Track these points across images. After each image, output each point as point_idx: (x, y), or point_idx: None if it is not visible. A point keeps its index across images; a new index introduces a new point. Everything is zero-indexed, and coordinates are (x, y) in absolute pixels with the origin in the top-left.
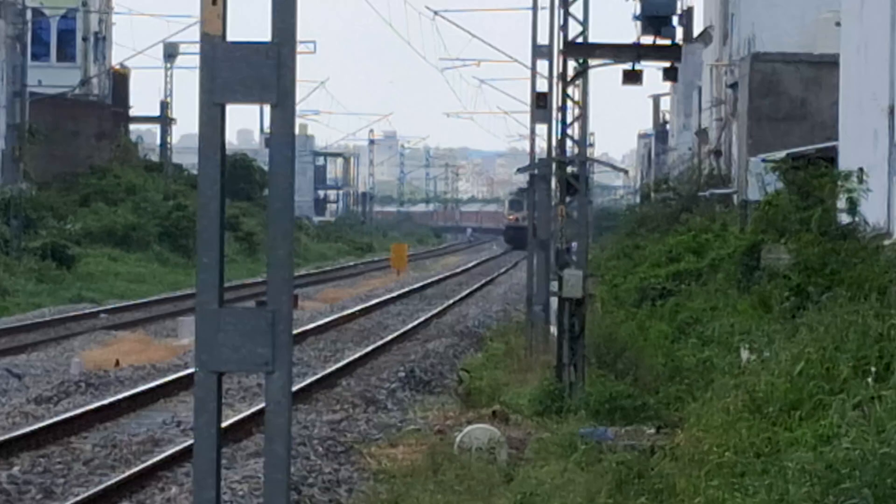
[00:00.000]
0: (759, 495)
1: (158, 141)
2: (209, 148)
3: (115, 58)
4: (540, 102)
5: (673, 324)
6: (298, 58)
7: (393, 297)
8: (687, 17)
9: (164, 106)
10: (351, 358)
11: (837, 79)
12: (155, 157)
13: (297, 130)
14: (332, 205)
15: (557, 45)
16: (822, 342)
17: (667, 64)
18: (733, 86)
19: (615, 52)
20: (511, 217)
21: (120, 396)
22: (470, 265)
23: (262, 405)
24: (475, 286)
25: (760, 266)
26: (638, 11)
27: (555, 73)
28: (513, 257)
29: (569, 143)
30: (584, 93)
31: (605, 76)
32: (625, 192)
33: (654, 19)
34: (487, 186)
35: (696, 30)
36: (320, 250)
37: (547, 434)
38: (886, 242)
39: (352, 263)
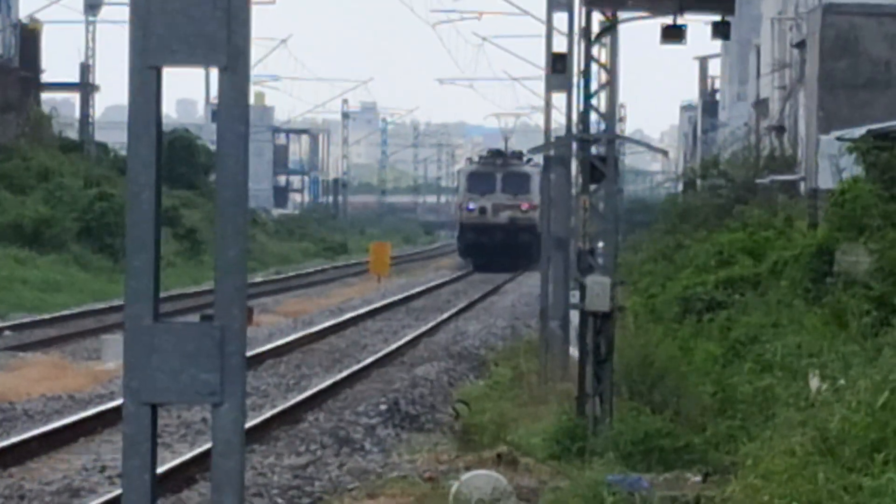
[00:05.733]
0: None
1: (78, 114)
2: (141, 123)
3: (24, 9)
4: (557, 66)
5: (724, 344)
6: (254, 9)
7: (372, 310)
8: None
9: (85, 70)
10: (320, 387)
11: None
12: (73, 135)
13: (252, 100)
14: (295, 194)
15: None
16: None
17: (717, 17)
18: (800, 45)
19: (652, 1)
20: (471, 206)
21: (29, 435)
22: (469, 269)
23: (207, 445)
24: (475, 296)
25: (834, 272)
26: None
27: (576, 29)
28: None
29: (593, 116)
30: (613, 54)
31: (639, 33)
32: (664, 179)
33: None
34: None
35: None
36: (281, 251)
37: (565, 482)
38: None
39: (321, 268)
